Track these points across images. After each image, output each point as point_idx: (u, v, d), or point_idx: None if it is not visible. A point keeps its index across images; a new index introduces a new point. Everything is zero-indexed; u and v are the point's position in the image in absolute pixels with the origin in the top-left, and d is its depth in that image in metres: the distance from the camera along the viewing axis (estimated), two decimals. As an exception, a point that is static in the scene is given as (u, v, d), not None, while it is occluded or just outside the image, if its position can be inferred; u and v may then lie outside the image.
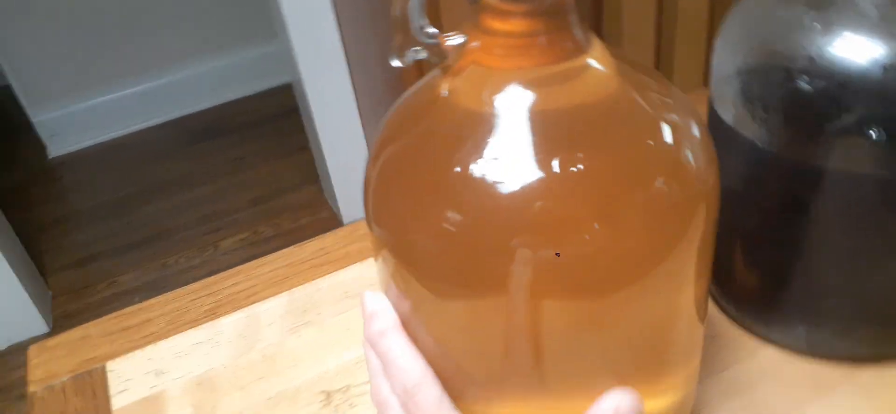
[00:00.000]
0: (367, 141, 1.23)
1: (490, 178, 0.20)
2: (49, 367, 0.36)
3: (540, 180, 0.20)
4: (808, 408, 0.29)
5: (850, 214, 0.27)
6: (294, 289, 0.39)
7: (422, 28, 0.21)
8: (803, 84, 0.26)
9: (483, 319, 0.23)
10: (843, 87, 0.25)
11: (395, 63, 0.21)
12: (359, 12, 1.10)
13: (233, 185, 1.46)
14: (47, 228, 1.41)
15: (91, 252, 1.34)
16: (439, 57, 0.22)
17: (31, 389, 0.35)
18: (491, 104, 0.21)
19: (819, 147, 0.27)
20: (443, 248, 0.21)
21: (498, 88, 0.21)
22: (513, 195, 0.20)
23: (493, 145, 0.20)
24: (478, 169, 0.20)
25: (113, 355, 0.36)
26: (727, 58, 0.30)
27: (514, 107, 0.21)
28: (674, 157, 0.22)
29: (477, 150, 0.20)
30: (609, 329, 0.22)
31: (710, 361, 0.31)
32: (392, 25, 0.21)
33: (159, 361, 0.36)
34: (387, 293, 0.25)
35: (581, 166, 0.20)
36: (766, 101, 0.28)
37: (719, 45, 0.30)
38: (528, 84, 0.21)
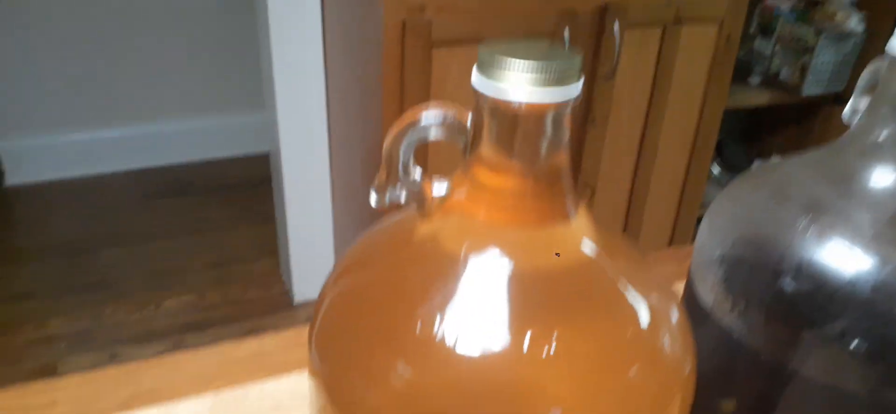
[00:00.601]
0: (333, 226, 1.21)
1: (454, 338, 0.18)
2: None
3: (508, 351, 0.18)
4: None
5: None
6: (221, 391, 0.36)
7: (407, 169, 0.19)
8: (788, 286, 0.25)
9: None
10: (829, 298, 0.24)
11: (374, 200, 0.20)
12: (350, 103, 1.10)
13: (190, 246, 1.42)
14: (-13, 255, 1.34)
15: (27, 290, 1.27)
16: (420, 202, 0.20)
17: None
18: (467, 259, 0.19)
19: (796, 352, 0.25)
20: (388, 404, 0.19)
21: (477, 244, 0.19)
22: (476, 362, 0.18)
23: (463, 304, 0.18)
24: (442, 326, 0.18)
25: (4, 435, 0.32)
26: (713, 240, 0.28)
27: (490, 266, 0.19)
28: (651, 344, 0.20)
29: (444, 306, 0.18)
30: None
31: None
32: (381, 161, 0.19)
33: (54, 452, 0.32)
34: None
35: (554, 344, 0.18)
36: (748, 294, 0.26)
37: (706, 224, 0.29)
38: (509, 245, 0.19)
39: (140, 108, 1.61)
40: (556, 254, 0.20)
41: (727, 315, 0.27)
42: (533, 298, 0.19)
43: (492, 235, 0.19)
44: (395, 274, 0.21)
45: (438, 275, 0.20)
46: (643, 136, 1.27)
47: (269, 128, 1.14)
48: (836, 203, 0.26)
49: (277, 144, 1.12)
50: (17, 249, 1.39)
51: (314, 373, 0.21)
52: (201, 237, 1.45)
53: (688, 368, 0.21)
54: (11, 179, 1.56)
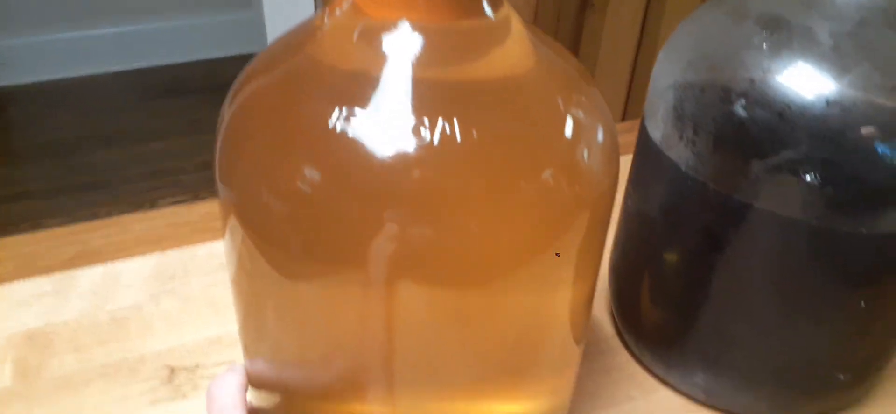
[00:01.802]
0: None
1: (359, 136, 0.16)
2: None
3: (417, 147, 0.16)
4: (698, 468, 0.26)
5: (769, 260, 0.24)
6: (168, 251, 0.35)
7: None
8: (739, 108, 0.23)
9: (335, 307, 0.19)
10: (780, 117, 0.22)
11: None
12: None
13: (184, 147, 1.40)
14: (-19, 157, 1.34)
15: (22, 190, 1.27)
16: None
17: None
18: (373, 53, 0.17)
19: (746, 181, 0.23)
20: (294, 211, 0.18)
21: (381, 36, 0.17)
22: (384, 160, 0.16)
23: (369, 101, 0.17)
24: (346, 125, 0.17)
25: (-55, 291, 0.32)
26: (666, 70, 0.26)
27: (394, 64, 0.17)
28: (568, 154, 0.19)
29: (348, 103, 0.17)
30: (473, 322, 0.19)
31: (601, 393, 0.28)
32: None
33: (-6, 307, 0.31)
34: (234, 279, 0.21)
35: (464, 138, 0.17)
36: (696, 120, 0.25)
37: (662, 55, 0.27)
38: (418, 33, 0.17)
39: (133, 6, 1.57)
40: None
41: (674, 147, 0.25)
42: (444, 95, 0.18)
43: (398, 30, 0.17)
44: (294, 73, 0.19)
45: (340, 70, 0.18)
46: (644, 21, 1.22)
47: (257, 26, 1.11)
48: (797, 17, 0.24)
49: (266, 43, 1.09)
50: (12, 150, 1.38)
51: (225, 211, 0.20)
52: (195, 138, 1.43)
53: (604, 187, 0.20)
54: (4, 80, 1.55)
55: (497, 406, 0.22)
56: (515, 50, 0.19)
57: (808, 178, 0.22)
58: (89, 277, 0.33)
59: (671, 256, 0.26)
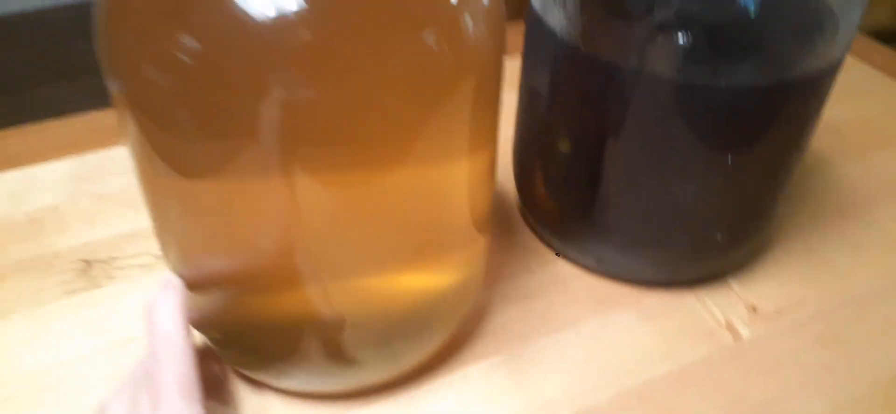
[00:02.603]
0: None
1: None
2: None
3: (298, 10, 0.17)
4: (588, 321, 0.28)
5: (641, 122, 0.25)
6: (86, 154, 0.35)
7: None
8: None
9: (235, 194, 0.19)
10: None
11: None
12: None
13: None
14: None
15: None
16: None
17: None
18: None
19: (614, 41, 0.24)
20: (178, 85, 0.18)
21: None
22: (264, 23, 0.17)
23: None
24: None
25: None
26: None
27: None
28: (451, 17, 0.19)
29: None
30: (373, 193, 0.20)
31: (503, 267, 0.30)
32: None
33: (-90, 212, 0.32)
34: (140, 182, 0.21)
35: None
36: None
37: None
38: None
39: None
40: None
41: (552, 12, 0.26)
42: None
43: None
44: None
45: None
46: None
47: None
48: None
49: None
50: (-38, 89, 1.35)
51: (115, 103, 0.20)
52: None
53: (488, 53, 0.21)
54: (-54, 18, 1.50)
55: (413, 278, 0.23)
56: None
57: (671, 34, 0.23)
58: (5, 181, 0.33)
59: (556, 129, 0.27)
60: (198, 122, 0.18)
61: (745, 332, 0.28)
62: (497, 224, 0.32)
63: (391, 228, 0.21)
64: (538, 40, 0.27)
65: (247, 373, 0.24)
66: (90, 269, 0.29)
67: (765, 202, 0.28)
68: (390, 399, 0.25)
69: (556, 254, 0.31)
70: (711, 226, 0.27)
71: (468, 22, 0.20)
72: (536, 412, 0.24)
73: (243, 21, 0.17)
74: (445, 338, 0.26)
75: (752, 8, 0.22)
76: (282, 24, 0.17)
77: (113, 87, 0.20)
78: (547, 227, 0.30)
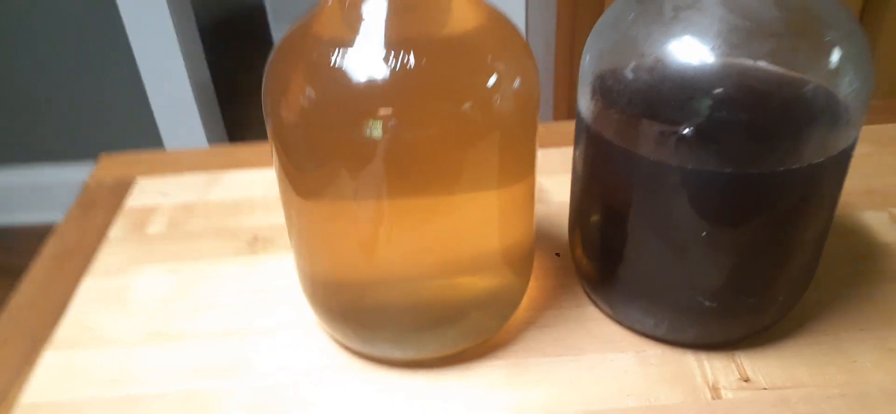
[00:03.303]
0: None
1: (345, 67, 0.26)
2: None
3: (382, 79, 0.26)
4: (588, 354, 0.33)
5: (651, 199, 0.29)
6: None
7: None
8: (633, 77, 0.30)
9: (337, 214, 0.29)
10: (671, 89, 0.28)
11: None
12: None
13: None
14: None
15: None
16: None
17: None
18: (356, 18, 0.27)
19: (635, 136, 0.30)
20: (299, 120, 0.28)
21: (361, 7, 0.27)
22: (360, 84, 0.26)
23: (351, 45, 0.26)
24: (338, 59, 0.27)
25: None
26: (586, 59, 0.33)
27: (373, 22, 0.27)
28: (483, 93, 0.28)
29: (340, 46, 0.27)
30: (424, 211, 0.29)
31: (542, 300, 0.36)
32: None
33: (164, 184, 0.47)
34: (282, 202, 0.32)
35: (414, 73, 0.26)
36: (606, 94, 0.31)
37: (585, 48, 0.33)
38: (390, 10, 0.27)
39: None
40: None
41: (590, 114, 0.32)
42: (404, 44, 0.27)
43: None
44: (306, 29, 0.29)
45: (331, 24, 0.28)
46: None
47: None
48: (695, 4, 0.29)
49: None
50: None
51: (270, 138, 0.31)
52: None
53: (513, 118, 0.29)
54: None
55: (472, 279, 0.32)
56: (462, 16, 0.29)
57: (688, 134, 0.28)
58: (227, 177, 0.48)
59: (589, 202, 0.33)
60: (309, 151, 0.28)
61: (727, 395, 0.30)
62: (553, 268, 0.38)
63: (438, 240, 0.30)
64: (580, 131, 0.33)
65: (351, 344, 0.34)
66: (256, 242, 0.42)
67: (766, 282, 0.31)
68: (440, 370, 0.33)
69: (590, 299, 0.36)
70: (705, 295, 0.31)
71: (497, 100, 0.28)
72: (513, 409, 0.31)
73: (344, 81, 0.27)
74: (478, 339, 0.33)
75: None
76: (371, 83, 0.26)
77: (267, 124, 0.30)
78: (583, 276, 0.36)
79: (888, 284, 0.36)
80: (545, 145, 0.51)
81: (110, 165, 0.51)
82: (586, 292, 0.36)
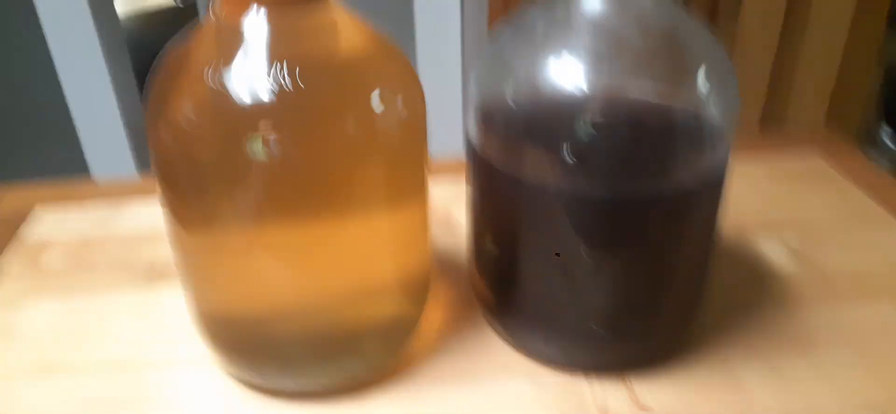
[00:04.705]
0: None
1: (221, 85, 0.26)
2: None
3: (263, 98, 0.26)
4: (485, 380, 0.32)
5: (534, 223, 0.30)
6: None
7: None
8: (511, 105, 0.30)
9: (222, 239, 0.28)
10: (533, 109, 0.29)
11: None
12: None
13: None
14: None
15: None
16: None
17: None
18: (232, 30, 0.27)
19: (513, 158, 0.30)
20: (179, 140, 0.27)
21: (239, 21, 0.27)
22: (240, 103, 0.26)
23: (228, 61, 0.26)
24: (215, 77, 0.26)
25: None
26: (471, 85, 0.33)
27: (251, 33, 0.26)
28: (366, 112, 0.27)
29: (215, 64, 0.26)
30: (316, 235, 0.28)
31: (444, 327, 0.36)
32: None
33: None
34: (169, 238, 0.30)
35: (296, 93, 0.26)
36: (485, 116, 0.31)
37: (471, 74, 0.34)
38: (266, 22, 0.26)
39: None
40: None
41: (481, 144, 0.32)
42: (281, 52, 0.26)
43: (253, 17, 0.26)
44: (187, 50, 0.29)
45: (211, 44, 0.28)
46: (771, 80, 1.21)
47: None
48: (564, 31, 0.30)
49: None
50: None
51: (151, 162, 0.29)
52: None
53: (397, 142, 0.29)
54: None
55: (363, 308, 0.31)
56: (348, 40, 0.29)
57: (559, 157, 0.28)
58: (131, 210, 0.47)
59: (480, 227, 0.34)
60: (188, 175, 0.27)
61: (619, 419, 0.31)
62: (456, 297, 0.38)
63: (325, 268, 0.29)
64: (469, 158, 0.33)
65: (243, 377, 0.33)
66: (153, 273, 0.41)
67: (649, 306, 0.31)
68: (335, 401, 0.32)
69: (490, 325, 0.36)
70: (592, 318, 0.31)
71: (377, 120, 0.28)
72: (403, 435, 0.30)
73: (223, 100, 0.26)
74: (372, 369, 0.33)
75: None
76: (252, 101, 0.26)
77: (150, 152, 0.29)
78: (482, 303, 0.36)
79: (778, 309, 0.37)
80: (462, 178, 0.51)
81: (8, 196, 0.49)
82: (486, 318, 0.36)
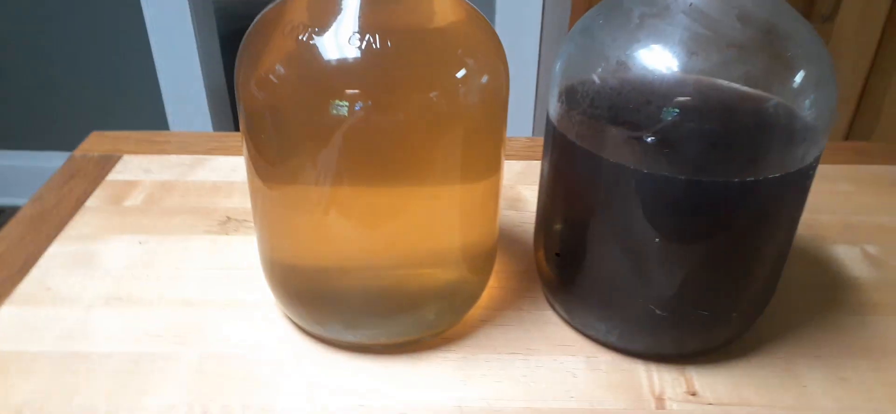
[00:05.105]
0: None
1: (312, 48, 0.26)
2: None
3: (351, 60, 0.26)
4: (541, 355, 0.33)
5: (606, 206, 0.30)
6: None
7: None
8: (600, 83, 0.30)
9: (306, 181, 0.29)
10: (622, 89, 0.29)
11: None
12: None
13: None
14: None
15: None
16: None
17: None
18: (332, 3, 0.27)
19: (599, 140, 0.30)
20: (268, 98, 0.28)
21: None
22: (328, 64, 0.26)
23: (323, 30, 0.26)
24: (306, 41, 0.26)
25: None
26: (556, 68, 0.33)
27: (349, 9, 0.27)
28: (451, 84, 0.28)
29: (312, 25, 0.27)
30: (392, 196, 0.29)
31: (503, 299, 0.36)
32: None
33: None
34: (249, 188, 0.31)
35: (382, 58, 0.26)
36: (571, 99, 0.31)
37: (557, 58, 0.34)
38: None
39: None
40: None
41: (561, 122, 0.32)
42: (371, 16, 0.27)
43: None
44: (280, 11, 0.29)
45: (303, 6, 0.28)
46: (863, 88, 1.16)
47: None
48: (660, 13, 0.29)
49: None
50: None
51: (239, 117, 0.30)
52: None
53: (478, 110, 0.29)
54: None
55: (429, 272, 0.32)
56: (439, 10, 0.29)
57: (650, 140, 0.28)
58: (214, 161, 0.48)
59: (551, 206, 0.33)
60: (275, 131, 0.28)
61: (672, 406, 0.30)
62: (519, 272, 0.38)
63: (397, 230, 0.30)
64: (547, 136, 0.33)
65: (305, 325, 0.34)
66: (228, 222, 0.42)
67: (718, 296, 0.30)
68: (391, 357, 0.33)
69: (549, 303, 0.36)
70: (655, 304, 0.30)
71: (461, 92, 0.28)
72: (456, 400, 0.30)
73: (312, 60, 0.27)
74: (431, 331, 0.33)
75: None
76: (341, 62, 0.26)
77: (238, 107, 0.30)
78: (543, 280, 0.36)
79: (850, 315, 0.36)
80: (531, 158, 0.51)
81: (99, 141, 0.52)
82: (546, 297, 0.36)
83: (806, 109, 0.28)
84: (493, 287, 0.37)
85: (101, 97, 1.49)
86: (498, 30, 1.33)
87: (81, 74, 1.46)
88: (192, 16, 1.36)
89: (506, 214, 0.44)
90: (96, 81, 1.47)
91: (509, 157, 0.51)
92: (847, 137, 1.18)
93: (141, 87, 1.46)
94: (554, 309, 0.36)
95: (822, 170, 0.50)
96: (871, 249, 0.41)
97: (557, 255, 0.34)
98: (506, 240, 0.41)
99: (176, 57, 1.40)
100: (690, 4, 0.28)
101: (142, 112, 1.50)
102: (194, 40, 1.39)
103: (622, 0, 0.30)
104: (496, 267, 0.38)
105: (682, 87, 0.27)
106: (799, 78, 0.28)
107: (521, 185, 0.47)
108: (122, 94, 1.48)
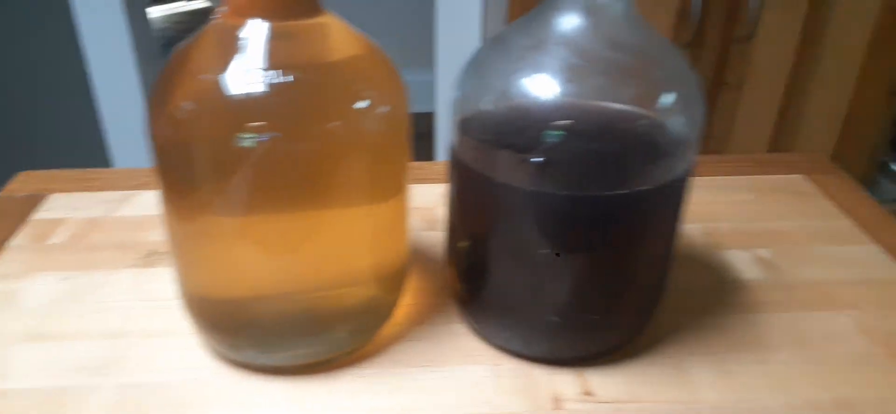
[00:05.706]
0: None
1: (219, 83, 0.28)
2: None
3: (256, 93, 0.28)
4: (450, 366, 0.34)
5: (499, 221, 0.32)
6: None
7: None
8: (485, 109, 0.32)
9: (215, 225, 0.30)
10: (509, 116, 0.31)
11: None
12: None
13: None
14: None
15: None
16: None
17: None
18: (229, 36, 0.29)
19: (496, 165, 0.32)
20: (174, 134, 0.29)
21: (237, 29, 0.29)
22: (234, 97, 0.28)
23: (225, 62, 0.28)
24: (210, 75, 0.28)
25: (58, 191, 0.50)
26: (455, 96, 0.35)
27: (247, 38, 0.29)
28: (350, 114, 0.30)
29: (214, 64, 0.29)
30: (300, 222, 0.30)
31: (416, 315, 0.38)
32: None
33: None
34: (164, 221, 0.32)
35: (286, 90, 0.28)
36: (466, 127, 0.33)
37: (455, 87, 0.36)
38: (264, 29, 0.29)
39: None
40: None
41: (460, 149, 0.34)
42: (278, 60, 0.28)
43: (253, 23, 0.29)
44: (189, 50, 0.31)
45: (211, 44, 0.30)
46: (782, 106, 1.21)
47: (431, 88, 1.28)
48: (538, 46, 0.32)
49: (435, 105, 1.26)
50: None
51: (150, 153, 0.32)
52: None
53: (377, 140, 0.31)
54: None
55: (340, 293, 0.34)
56: (338, 46, 0.31)
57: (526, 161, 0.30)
58: (141, 197, 0.49)
59: (454, 223, 0.36)
60: (184, 164, 0.29)
61: (568, 406, 0.32)
62: (431, 288, 0.40)
63: (306, 254, 0.32)
64: (450, 162, 0.35)
65: (223, 351, 0.35)
66: (152, 256, 0.43)
67: (606, 302, 0.33)
68: (305, 378, 0.34)
69: (460, 316, 0.38)
70: (551, 311, 0.33)
71: (363, 121, 0.30)
72: (369, 411, 0.32)
73: (218, 94, 0.28)
74: (344, 351, 0.35)
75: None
76: (245, 95, 0.28)
77: (150, 147, 0.31)
78: (453, 294, 0.38)
79: (739, 314, 0.39)
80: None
81: (27, 180, 0.52)
82: (457, 310, 0.38)
83: (675, 127, 0.31)
84: (408, 304, 0.39)
85: (37, 135, 1.47)
86: (438, 65, 1.35)
87: (16, 110, 1.44)
88: (132, 48, 1.36)
89: (425, 234, 0.46)
90: (32, 118, 1.45)
91: (431, 180, 0.53)
92: (769, 151, 1.24)
93: (81, 125, 1.45)
94: (464, 320, 0.37)
95: (725, 181, 0.54)
96: (763, 252, 0.44)
97: (463, 270, 0.36)
98: (423, 258, 0.43)
99: (118, 93, 1.40)
100: (563, 37, 0.31)
101: (79, 148, 1.48)
102: (137, 75, 1.38)
103: (505, 35, 0.33)
104: (412, 284, 0.40)
105: (558, 111, 0.30)
106: (667, 98, 0.31)
107: (442, 207, 0.49)
108: (62, 133, 1.46)
